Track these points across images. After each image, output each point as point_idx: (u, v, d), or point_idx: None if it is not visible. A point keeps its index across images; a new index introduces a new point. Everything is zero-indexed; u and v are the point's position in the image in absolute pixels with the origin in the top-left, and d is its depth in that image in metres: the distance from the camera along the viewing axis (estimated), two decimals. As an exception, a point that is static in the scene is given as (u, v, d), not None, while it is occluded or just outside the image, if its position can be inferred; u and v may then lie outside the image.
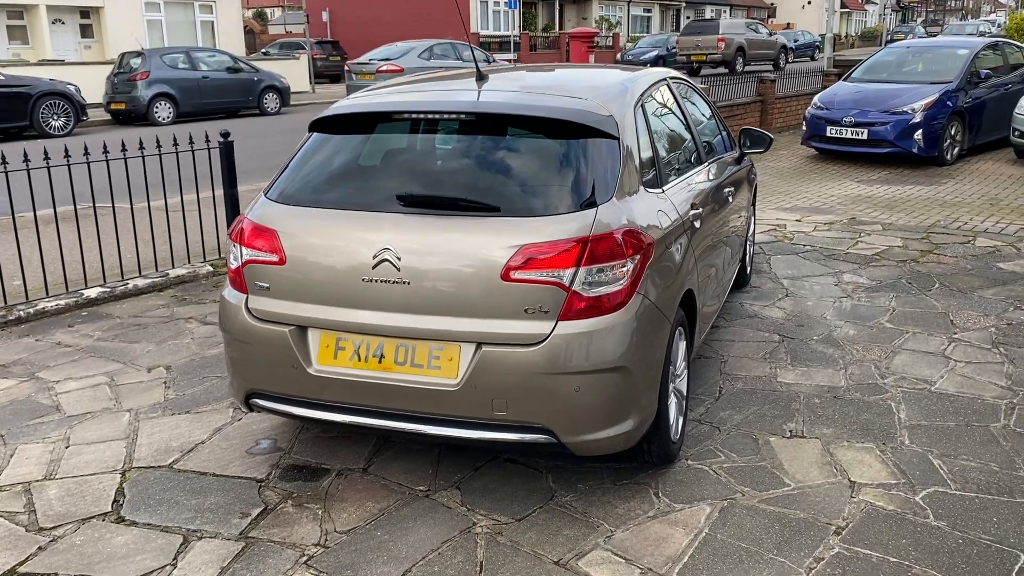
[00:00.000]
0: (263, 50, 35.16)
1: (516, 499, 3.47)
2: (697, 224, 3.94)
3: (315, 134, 3.70)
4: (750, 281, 6.33)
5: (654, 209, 3.48)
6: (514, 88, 3.72)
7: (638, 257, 3.20)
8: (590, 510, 3.38)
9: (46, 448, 3.98)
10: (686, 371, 3.89)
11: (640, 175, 3.53)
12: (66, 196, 6.13)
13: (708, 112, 5.25)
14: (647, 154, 3.71)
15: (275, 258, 3.37)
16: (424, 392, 3.16)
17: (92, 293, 6.18)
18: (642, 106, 3.85)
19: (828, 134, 11.85)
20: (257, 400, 3.51)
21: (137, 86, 18.78)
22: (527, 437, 3.15)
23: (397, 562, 3.08)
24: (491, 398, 3.11)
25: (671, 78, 4.59)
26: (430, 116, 3.50)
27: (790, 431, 4.01)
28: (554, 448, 3.20)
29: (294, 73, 26.78)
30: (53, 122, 16.80)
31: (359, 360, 3.26)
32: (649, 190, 3.57)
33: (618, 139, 3.43)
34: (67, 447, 3.99)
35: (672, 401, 3.65)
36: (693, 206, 3.93)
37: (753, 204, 6.33)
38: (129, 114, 19.03)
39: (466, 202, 3.22)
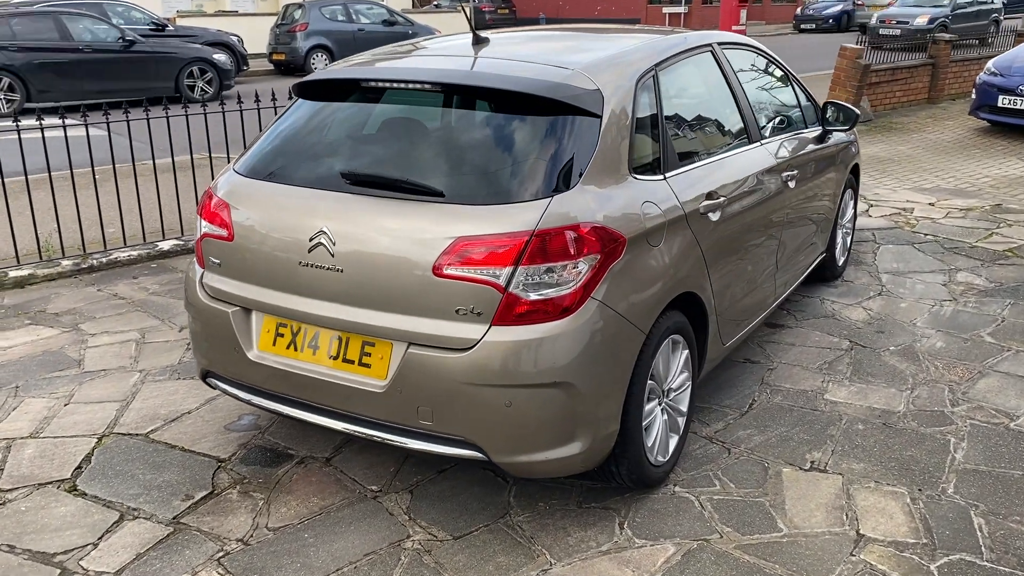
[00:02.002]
0: (435, 2, 35.48)
1: (466, 512, 3.15)
2: (714, 215, 3.41)
3: (299, 100, 3.46)
4: (843, 274, 5.60)
5: (639, 199, 3.01)
6: (504, 56, 3.31)
7: (597, 256, 2.77)
8: (538, 535, 3.02)
9: (48, 404, 4.03)
10: (689, 385, 3.41)
11: (629, 159, 3.06)
12: (174, 147, 6.30)
13: (780, 84, 4.60)
14: (647, 134, 3.22)
15: (225, 233, 3.18)
16: (352, 390, 2.89)
17: (166, 246, 6.32)
18: (655, 78, 3.34)
19: (1000, 104, 10.46)
20: (212, 379, 3.37)
21: (296, 37, 19.35)
22: (456, 451, 2.82)
23: (309, 571, 2.85)
24: (416, 405, 2.80)
25: (720, 43, 3.99)
26: (395, 86, 3.17)
27: (811, 462, 3.45)
28: (487, 467, 2.86)
29: (456, 27, 26.82)
30: (215, 71, 17.58)
31: (295, 349, 3.03)
32: (640, 176, 3.09)
33: (600, 117, 2.98)
34: (66, 404, 4.03)
35: (658, 420, 3.20)
36: (711, 195, 3.40)
37: (854, 186, 5.58)
38: (288, 65, 19.66)
39: (408, 184, 2.89)
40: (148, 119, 5.92)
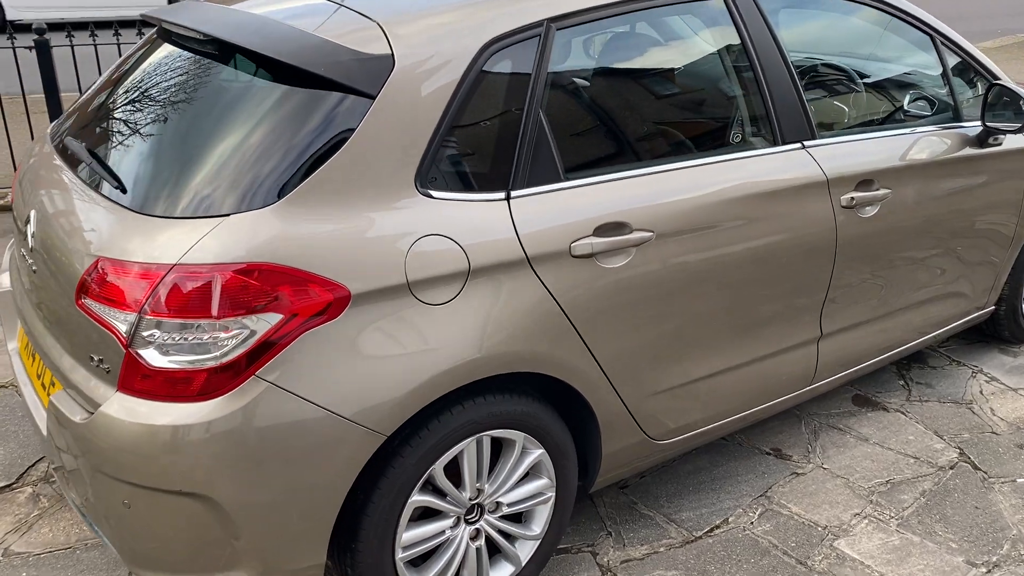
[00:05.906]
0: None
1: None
2: (616, 259, 2.21)
3: (152, 36, 2.76)
4: (1040, 336, 3.81)
5: (416, 230, 1.95)
6: (348, 3, 2.32)
7: (278, 316, 1.82)
8: (240, 665, 2.21)
9: None
10: (551, 496, 2.33)
11: (427, 165, 2.00)
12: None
13: (903, 53, 3.02)
14: (493, 127, 2.11)
15: (9, 199, 2.66)
16: (35, 422, 2.27)
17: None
18: (542, 39, 2.18)
19: None
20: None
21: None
22: (106, 541, 2.09)
23: (-31, 629, 2.35)
24: (60, 467, 2.11)
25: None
26: (176, 31, 2.36)
27: (710, 660, 2.22)
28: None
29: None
30: None
31: (29, 355, 2.47)
32: (445, 194, 2.02)
33: (372, 97, 1.96)
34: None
35: (456, 548, 2.21)
36: (608, 228, 2.19)
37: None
38: None
39: (96, 172, 2.12)
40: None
